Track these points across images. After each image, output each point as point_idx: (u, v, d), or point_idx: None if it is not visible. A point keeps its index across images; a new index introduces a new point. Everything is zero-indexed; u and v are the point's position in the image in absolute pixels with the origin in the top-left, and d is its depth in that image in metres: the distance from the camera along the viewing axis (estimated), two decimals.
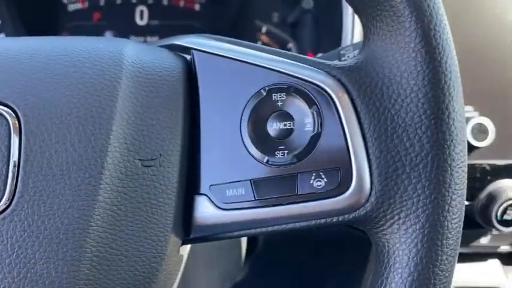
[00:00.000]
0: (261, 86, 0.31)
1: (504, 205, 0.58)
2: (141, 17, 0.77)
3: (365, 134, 0.30)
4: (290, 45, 0.75)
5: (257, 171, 0.31)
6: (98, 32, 0.77)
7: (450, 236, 0.29)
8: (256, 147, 0.31)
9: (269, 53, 0.32)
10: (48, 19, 0.77)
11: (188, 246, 0.48)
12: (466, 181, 0.30)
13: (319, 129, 0.30)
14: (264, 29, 0.76)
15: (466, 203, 0.30)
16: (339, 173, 0.30)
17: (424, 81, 0.29)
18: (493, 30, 0.60)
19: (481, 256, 0.65)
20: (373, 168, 0.29)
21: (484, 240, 0.63)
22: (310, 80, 0.31)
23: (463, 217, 0.30)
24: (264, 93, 0.31)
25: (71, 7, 0.77)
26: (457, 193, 0.29)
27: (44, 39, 0.33)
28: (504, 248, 0.64)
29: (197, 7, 0.78)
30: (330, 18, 0.66)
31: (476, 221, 0.60)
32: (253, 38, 0.76)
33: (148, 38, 0.77)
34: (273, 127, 0.31)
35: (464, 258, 0.64)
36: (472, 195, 0.59)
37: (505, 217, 0.58)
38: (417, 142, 0.29)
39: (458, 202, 0.29)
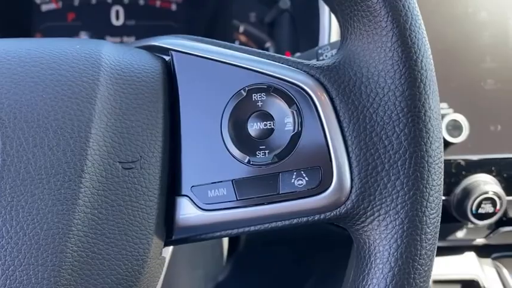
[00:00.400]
0: (240, 87, 0.31)
1: (479, 199, 0.59)
2: (117, 17, 0.76)
3: (344, 132, 0.30)
4: (268, 44, 0.76)
5: (238, 172, 0.31)
6: (72, 32, 0.75)
7: (429, 230, 0.30)
8: (237, 148, 0.31)
9: (248, 53, 0.32)
10: (21, 20, 0.75)
11: (170, 248, 0.48)
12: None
13: (300, 129, 0.31)
14: (241, 29, 0.76)
15: (443, 197, 0.31)
16: (320, 172, 0.30)
17: (400, 80, 0.29)
18: (466, 29, 0.61)
19: (458, 249, 0.67)
20: (353, 166, 0.30)
21: (460, 234, 0.64)
22: (289, 79, 0.31)
23: (440, 212, 0.30)
24: (244, 94, 0.31)
25: (44, 7, 0.76)
26: (435, 189, 0.30)
27: (19, 41, 0.32)
28: (479, 241, 0.66)
29: (174, 7, 0.77)
30: (307, 18, 0.67)
31: (453, 215, 0.61)
32: (231, 38, 0.76)
33: (125, 39, 0.76)
34: (254, 127, 0.31)
35: (441, 251, 0.66)
36: (447, 190, 0.61)
37: (480, 211, 0.60)
38: (395, 140, 0.29)
39: (436, 198, 0.30)
